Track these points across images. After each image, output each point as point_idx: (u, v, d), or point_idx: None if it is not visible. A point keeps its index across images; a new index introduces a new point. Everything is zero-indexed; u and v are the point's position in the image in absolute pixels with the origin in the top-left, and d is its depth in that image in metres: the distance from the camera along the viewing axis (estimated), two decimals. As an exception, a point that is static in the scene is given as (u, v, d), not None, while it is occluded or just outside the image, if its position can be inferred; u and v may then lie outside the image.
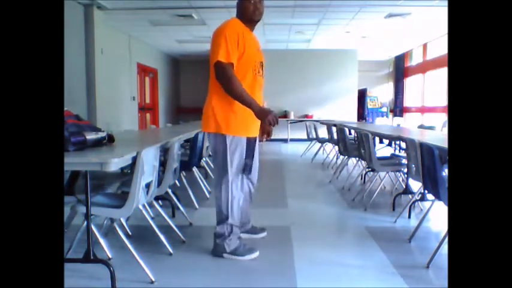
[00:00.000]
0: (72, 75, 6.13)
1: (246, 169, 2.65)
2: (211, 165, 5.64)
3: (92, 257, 2.20)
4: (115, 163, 1.91)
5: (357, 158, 5.30)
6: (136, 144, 2.92)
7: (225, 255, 2.63)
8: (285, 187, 5.00)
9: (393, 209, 3.85)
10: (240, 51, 2.50)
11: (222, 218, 2.63)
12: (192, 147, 3.73)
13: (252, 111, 2.48)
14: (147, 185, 2.33)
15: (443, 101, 9.43)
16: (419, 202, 3.89)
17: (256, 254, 2.67)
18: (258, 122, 2.65)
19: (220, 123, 2.54)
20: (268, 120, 2.45)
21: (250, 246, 2.71)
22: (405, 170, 3.91)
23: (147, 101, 10.81)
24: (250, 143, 2.66)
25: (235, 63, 2.49)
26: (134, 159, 2.12)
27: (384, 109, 12.41)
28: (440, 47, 9.71)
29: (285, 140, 11.01)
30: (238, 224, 2.70)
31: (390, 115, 12.51)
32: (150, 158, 2.28)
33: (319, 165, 6.87)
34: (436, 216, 3.61)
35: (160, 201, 3.64)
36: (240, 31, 2.52)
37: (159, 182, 2.65)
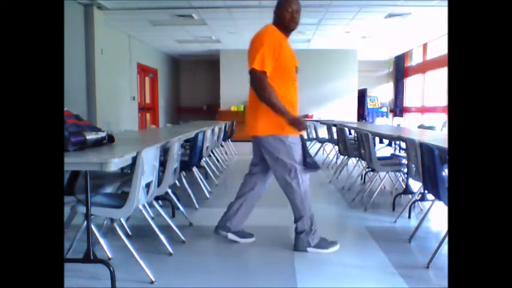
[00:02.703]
0: (72, 75, 6.13)
1: (313, 166, 2.77)
2: (211, 165, 5.65)
3: (92, 257, 2.20)
4: (115, 163, 1.91)
5: (357, 158, 5.30)
6: (137, 144, 2.92)
7: (309, 249, 2.74)
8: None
9: (393, 209, 3.85)
10: (278, 59, 2.58)
11: (301, 215, 2.74)
12: (192, 147, 3.73)
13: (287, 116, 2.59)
14: (147, 185, 2.33)
15: (443, 101, 9.43)
16: (419, 202, 3.89)
17: (337, 247, 2.78)
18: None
19: (275, 126, 2.64)
20: (299, 129, 2.64)
21: (331, 240, 2.81)
22: (405, 170, 3.91)
23: (147, 101, 10.82)
24: (304, 142, 2.79)
25: (269, 72, 2.57)
26: (134, 159, 2.11)
27: (384, 109, 12.41)
28: (440, 47, 9.71)
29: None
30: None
31: (390, 115, 12.51)
32: (150, 158, 2.28)
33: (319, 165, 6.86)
34: (436, 216, 3.61)
35: (160, 201, 3.64)
36: (278, 40, 2.61)
37: (159, 182, 2.65)
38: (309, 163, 2.73)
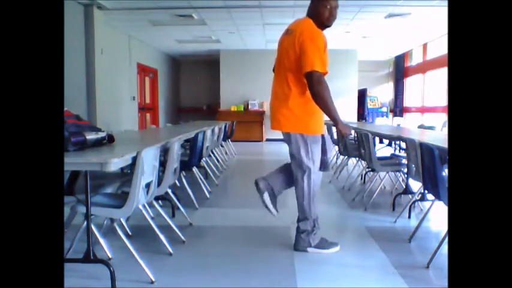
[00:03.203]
0: (72, 75, 6.13)
1: (324, 165, 2.79)
2: (211, 165, 5.65)
3: (92, 257, 2.20)
4: (115, 163, 1.91)
5: (357, 158, 5.30)
6: (137, 144, 2.92)
7: (309, 249, 2.74)
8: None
9: (393, 209, 3.85)
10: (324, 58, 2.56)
11: (305, 216, 2.74)
12: (192, 147, 3.73)
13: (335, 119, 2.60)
14: (147, 185, 2.33)
15: (443, 101, 9.43)
16: (419, 202, 3.89)
17: (338, 248, 2.79)
18: (323, 121, 2.79)
19: (299, 123, 2.64)
20: (346, 133, 2.67)
21: (331, 240, 2.82)
22: (405, 170, 3.91)
23: (147, 101, 10.81)
24: (323, 141, 2.78)
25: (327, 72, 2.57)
26: (134, 159, 2.11)
27: (384, 109, 12.41)
28: (440, 47, 9.71)
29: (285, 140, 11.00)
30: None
31: (390, 115, 12.50)
32: (150, 158, 2.28)
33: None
34: (436, 216, 3.61)
35: (160, 201, 3.64)
36: (325, 39, 2.60)
37: (159, 182, 2.65)
38: (324, 162, 2.77)
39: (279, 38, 2.82)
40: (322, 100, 2.53)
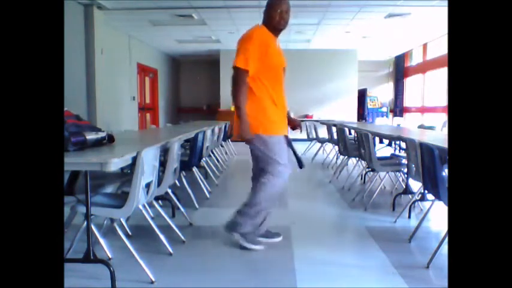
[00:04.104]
0: (72, 75, 6.13)
1: (299, 163, 2.86)
2: (211, 165, 5.65)
3: (92, 257, 2.20)
4: (115, 163, 1.91)
5: (357, 158, 5.30)
6: (137, 144, 2.92)
7: (234, 233, 2.77)
8: (285, 187, 5.00)
9: (393, 209, 3.85)
10: (264, 60, 2.62)
11: (255, 203, 2.75)
12: (192, 147, 3.73)
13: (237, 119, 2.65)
14: (147, 185, 2.33)
15: (443, 101, 9.43)
16: (419, 202, 3.89)
17: (261, 247, 2.78)
18: (285, 123, 2.85)
19: (259, 125, 2.68)
20: (244, 138, 2.66)
21: (260, 240, 2.84)
22: (405, 170, 3.91)
23: (147, 101, 10.81)
24: (288, 141, 2.83)
25: (252, 72, 2.61)
26: (134, 159, 2.11)
27: (384, 109, 12.41)
28: (440, 47, 9.71)
29: (285, 140, 11.00)
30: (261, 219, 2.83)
31: (390, 115, 12.50)
32: (150, 158, 2.28)
33: (319, 165, 6.87)
34: (436, 216, 3.61)
35: (160, 201, 3.64)
36: (264, 40, 2.65)
37: (159, 182, 2.65)
38: (298, 160, 2.83)
39: None
40: (235, 94, 2.62)
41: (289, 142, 2.86)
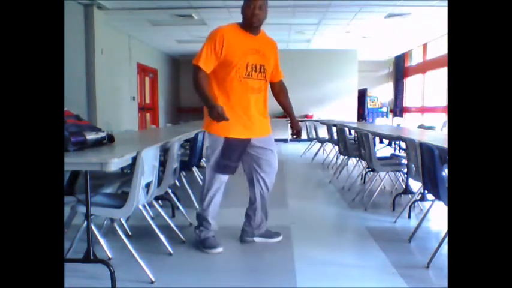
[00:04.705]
0: (72, 75, 6.12)
1: (226, 169, 2.77)
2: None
3: (92, 257, 2.20)
4: (115, 163, 1.91)
5: (357, 158, 5.30)
6: (137, 144, 2.92)
7: (197, 235, 2.86)
8: (285, 187, 5.00)
9: (393, 209, 3.85)
10: (218, 56, 2.64)
11: (202, 200, 2.84)
12: (192, 147, 3.73)
13: (210, 109, 2.61)
14: (147, 185, 2.33)
15: (443, 101, 9.43)
16: (419, 202, 3.89)
17: (218, 250, 2.75)
18: (246, 124, 2.72)
19: (206, 122, 2.78)
20: (212, 115, 2.57)
21: (217, 240, 2.82)
22: (405, 170, 3.91)
23: (147, 101, 10.81)
24: (232, 144, 2.71)
25: (208, 67, 2.65)
26: (134, 159, 2.11)
27: (384, 109, 12.41)
28: (440, 47, 9.71)
29: (285, 140, 11.01)
30: (211, 218, 2.84)
31: (390, 115, 12.51)
32: (150, 158, 2.28)
33: (319, 165, 6.87)
34: (436, 216, 3.61)
35: (160, 201, 3.64)
36: (223, 37, 2.63)
37: (159, 182, 2.65)
38: (220, 165, 2.75)
39: None
40: (195, 89, 2.68)
41: (236, 148, 2.75)
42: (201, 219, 2.83)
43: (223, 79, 2.68)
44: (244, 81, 2.68)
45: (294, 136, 3.05)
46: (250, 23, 2.66)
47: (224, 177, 2.82)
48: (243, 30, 2.70)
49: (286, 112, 3.10)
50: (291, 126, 3.00)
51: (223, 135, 2.70)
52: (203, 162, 4.99)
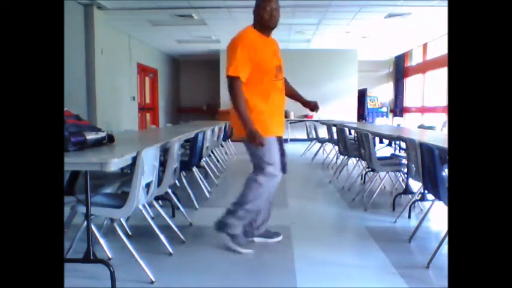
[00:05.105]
0: (72, 75, 6.13)
1: (284, 167, 2.80)
2: (211, 165, 5.65)
3: (92, 257, 2.20)
4: (115, 163, 1.91)
5: (357, 158, 5.30)
6: (136, 144, 2.92)
7: (224, 233, 2.77)
8: (285, 187, 5.00)
9: (393, 209, 3.85)
10: (253, 62, 2.60)
11: (242, 202, 2.72)
12: (192, 147, 3.73)
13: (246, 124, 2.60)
14: (147, 185, 2.33)
15: (443, 101, 9.43)
16: (419, 202, 3.89)
17: (248, 251, 2.75)
18: (281, 123, 2.84)
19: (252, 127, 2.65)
20: (254, 144, 2.61)
21: (249, 242, 2.83)
22: (405, 170, 3.91)
23: (147, 101, 10.81)
24: (280, 142, 2.82)
25: (245, 77, 2.60)
26: (134, 159, 2.11)
27: (384, 109, 12.41)
28: (440, 47, 9.71)
29: (285, 140, 10.99)
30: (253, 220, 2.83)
31: (390, 115, 12.50)
32: (150, 158, 2.28)
33: (319, 165, 6.87)
34: (436, 216, 3.61)
35: (160, 201, 3.64)
36: (251, 43, 2.62)
37: (159, 182, 2.65)
38: (282, 164, 2.77)
39: None
40: (234, 102, 2.62)
41: (281, 144, 2.83)
42: (253, 218, 2.81)
43: (257, 84, 2.65)
44: (275, 83, 2.74)
45: (316, 111, 3.14)
46: (269, 25, 2.67)
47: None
48: (259, 33, 2.70)
49: (297, 98, 3.12)
50: (307, 106, 3.07)
51: (273, 135, 2.73)
52: (203, 162, 5.00)
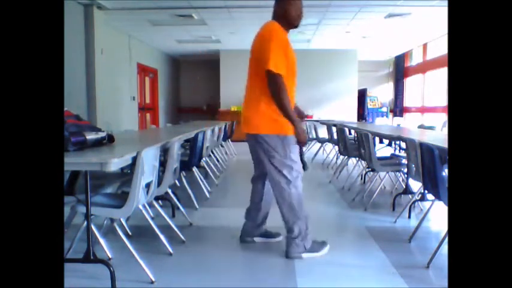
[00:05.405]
0: (72, 75, 6.13)
1: (304, 165, 2.76)
2: (211, 165, 5.65)
3: (92, 257, 2.20)
4: (115, 163, 1.91)
5: (357, 158, 5.30)
6: (136, 144, 2.92)
7: (303, 254, 2.64)
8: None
9: (393, 209, 3.85)
10: (287, 59, 2.51)
11: (297, 217, 2.63)
12: (192, 147, 3.73)
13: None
14: (147, 185, 2.33)
15: (443, 101, 9.43)
16: (419, 202, 3.89)
17: (327, 248, 2.74)
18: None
19: (276, 124, 2.56)
20: (302, 139, 2.57)
21: (320, 240, 2.77)
22: (405, 170, 3.91)
23: (147, 101, 10.82)
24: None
25: (284, 73, 2.48)
26: (134, 159, 2.11)
27: (384, 109, 12.41)
28: (440, 47, 9.71)
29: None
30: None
31: (390, 115, 12.51)
32: (150, 158, 2.28)
33: (319, 165, 6.87)
34: (436, 216, 3.61)
35: (160, 201, 3.64)
36: (285, 38, 2.55)
37: (159, 182, 2.65)
38: (304, 162, 2.75)
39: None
40: (278, 99, 2.46)
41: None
42: (305, 228, 2.65)
43: (289, 80, 2.54)
44: (295, 80, 2.68)
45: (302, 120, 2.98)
46: (293, 23, 2.61)
47: None
48: (284, 30, 2.61)
49: None
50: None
51: (291, 134, 2.60)
52: (203, 162, 5.00)
